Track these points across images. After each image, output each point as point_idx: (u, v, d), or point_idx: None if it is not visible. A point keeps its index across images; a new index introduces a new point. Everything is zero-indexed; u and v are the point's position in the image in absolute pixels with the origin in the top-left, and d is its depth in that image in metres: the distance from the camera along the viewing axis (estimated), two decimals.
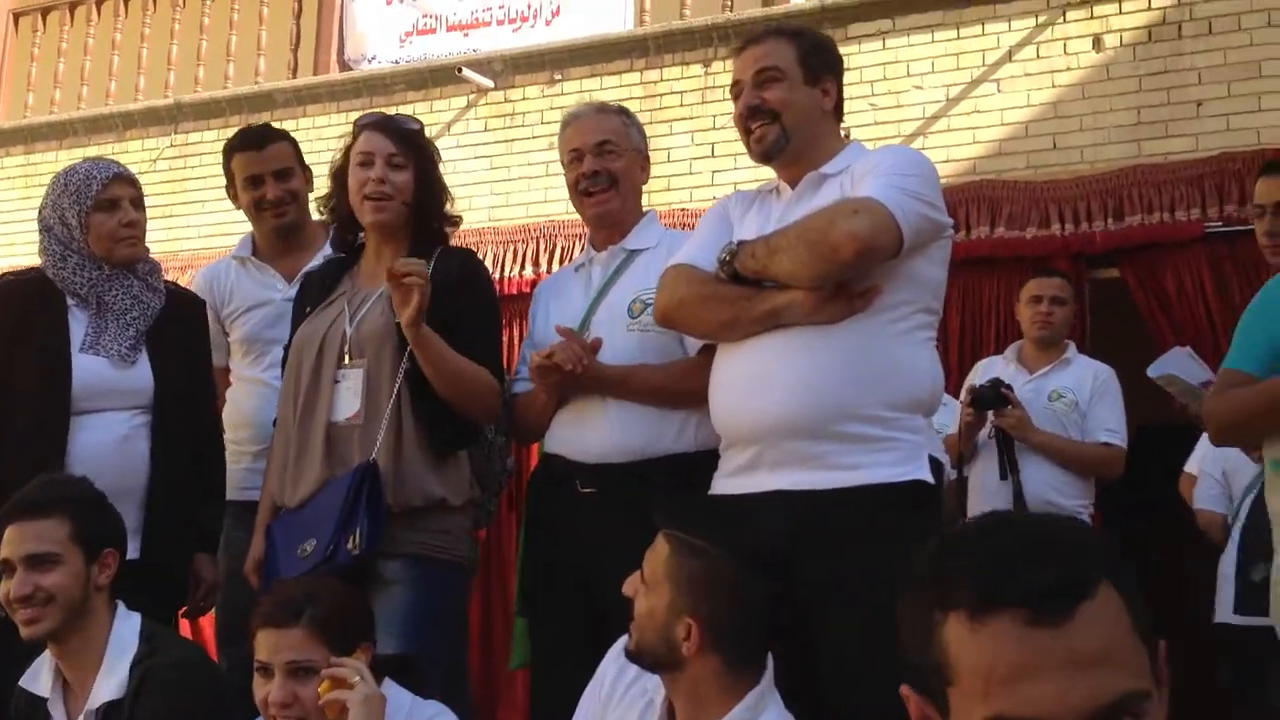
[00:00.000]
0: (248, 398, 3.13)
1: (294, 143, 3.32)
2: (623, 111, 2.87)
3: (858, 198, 2.19)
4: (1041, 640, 0.95)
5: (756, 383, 2.24)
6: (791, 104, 2.34)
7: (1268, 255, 3.08)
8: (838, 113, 2.44)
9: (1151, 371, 3.64)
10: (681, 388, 2.53)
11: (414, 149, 2.65)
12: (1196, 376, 3.52)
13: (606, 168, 2.70)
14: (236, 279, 3.29)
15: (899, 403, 2.21)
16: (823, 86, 2.38)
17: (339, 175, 2.72)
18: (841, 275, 2.17)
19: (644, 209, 2.87)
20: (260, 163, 3.23)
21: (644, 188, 2.86)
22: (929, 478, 2.21)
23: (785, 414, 2.19)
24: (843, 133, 2.54)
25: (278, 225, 3.25)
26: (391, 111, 2.90)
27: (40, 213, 2.85)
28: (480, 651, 5.90)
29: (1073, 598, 0.96)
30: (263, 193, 3.22)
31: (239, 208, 3.37)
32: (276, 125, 6.82)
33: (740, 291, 2.26)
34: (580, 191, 2.74)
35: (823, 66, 2.39)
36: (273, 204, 3.22)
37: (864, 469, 2.16)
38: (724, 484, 2.32)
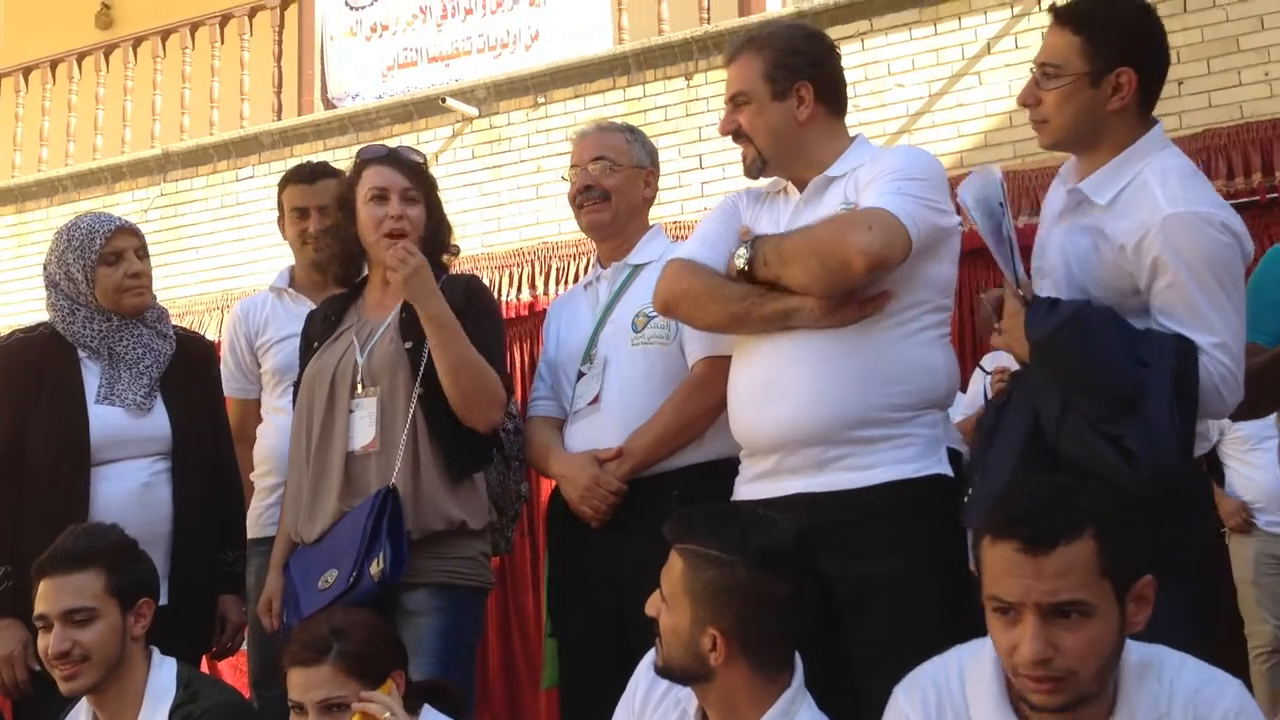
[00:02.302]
0: (274, 431, 3.16)
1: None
2: (628, 129, 2.90)
3: (867, 210, 2.17)
4: (1025, 560, 1.57)
5: (769, 393, 2.26)
6: (759, 127, 2.34)
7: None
8: (833, 106, 2.39)
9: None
10: (691, 415, 2.57)
11: (423, 182, 2.69)
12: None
13: (599, 182, 2.76)
14: (271, 310, 3.35)
15: (913, 403, 2.22)
16: (796, 95, 2.33)
17: (343, 207, 2.72)
18: (852, 286, 2.18)
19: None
20: (308, 196, 3.33)
21: None
22: (947, 470, 2.22)
23: (799, 424, 2.21)
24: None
25: (316, 259, 3.27)
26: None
27: (45, 269, 2.87)
28: (502, 675, 5.91)
29: (1053, 542, 1.56)
30: (306, 225, 3.31)
31: (286, 239, 3.47)
32: (264, 167, 6.97)
33: (748, 290, 2.27)
34: (577, 206, 2.80)
35: (792, 74, 2.33)
36: (314, 237, 3.28)
37: (880, 468, 2.18)
38: (746, 490, 2.34)
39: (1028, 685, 1.59)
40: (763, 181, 2.47)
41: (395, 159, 2.69)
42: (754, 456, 2.33)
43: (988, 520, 1.64)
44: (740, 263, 2.27)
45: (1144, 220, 2.02)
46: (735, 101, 2.37)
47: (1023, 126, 5.74)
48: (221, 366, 3.33)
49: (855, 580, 2.13)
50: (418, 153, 2.77)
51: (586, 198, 2.76)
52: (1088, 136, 2.15)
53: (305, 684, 2.15)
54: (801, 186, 2.38)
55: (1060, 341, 2.00)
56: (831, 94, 2.39)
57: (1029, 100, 2.18)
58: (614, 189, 2.76)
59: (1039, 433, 1.99)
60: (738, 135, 2.38)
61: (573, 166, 2.82)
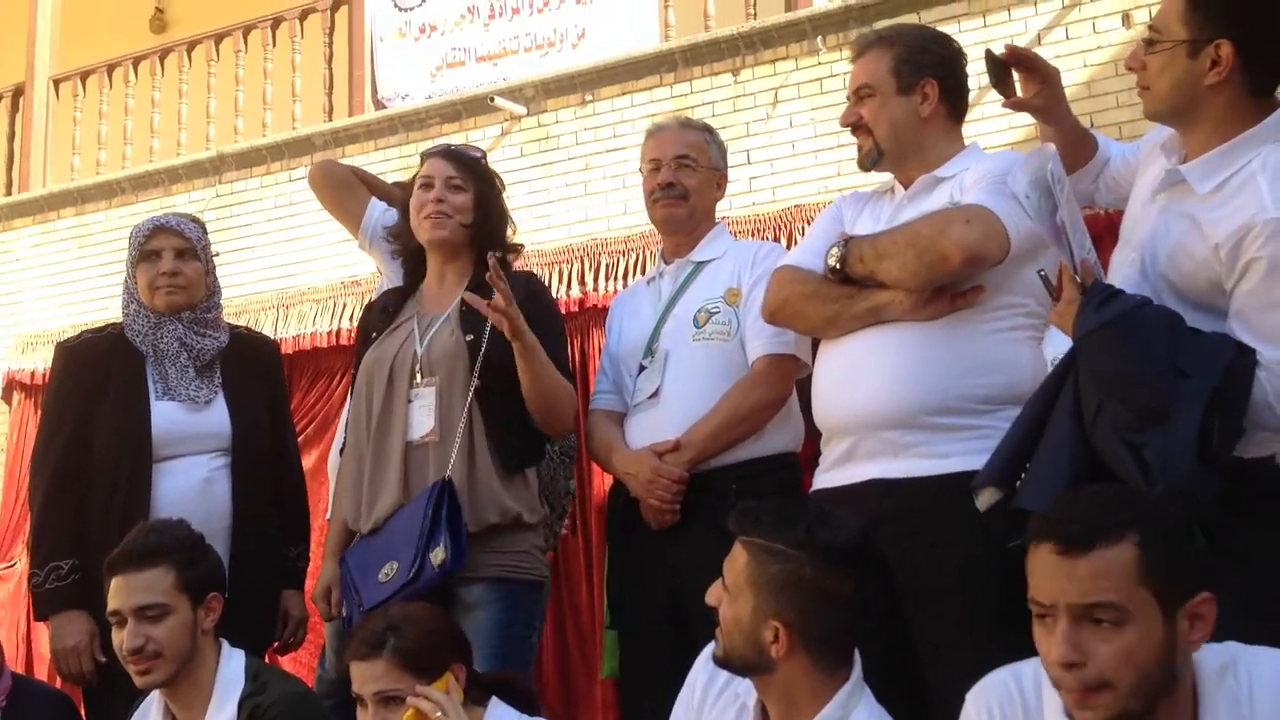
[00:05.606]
0: None
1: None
2: (707, 130, 2.94)
3: (969, 205, 2.18)
4: (1060, 561, 1.54)
5: (850, 376, 2.28)
6: (881, 119, 2.35)
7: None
8: (955, 108, 2.40)
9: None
10: (749, 410, 2.61)
11: (473, 174, 2.73)
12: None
13: (680, 181, 2.80)
14: None
15: (994, 395, 2.20)
16: (921, 91, 2.34)
17: (406, 208, 2.79)
18: (948, 281, 2.19)
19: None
20: None
21: None
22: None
23: (876, 406, 2.22)
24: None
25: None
26: (428, 145, 2.98)
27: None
28: (556, 666, 5.92)
29: (1089, 544, 1.52)
30: None
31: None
32: None
33: (842, 290, 2.29)
34: (653, 200, 2.83)
35: (919, 70, 2.34)
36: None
37: (955, 457, 2.17)
38: (823, 478, 2.36)
39: (1067, 698, 1.55)
40: (871, 181, 2.48)
41: (447, 152, 2.76)
42: (831, 441, 2.34)
43: (1033, 524, 1.62)
44: (833, 261, 2.28)
45: (1246, 220, 1.88)
46: (859, 94, 2.39)
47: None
48: None
49: (923, 569, 2.13)
50: (477, 149, 2.84)
51: (666, 195, 2.80)
52: (1185, 111, 2.00)
53: (362, 677, 2.19)
54: (908, 186, 2.37)
55: (1099, 341, 1.90)
56: (955, 95, 2.40)
57: (1134, 64, 2.05)
58: (693, 189, 2.81)
59: (1081, 424, 1.92)
60: (856, 128, 2.40)
61: (652, 159, 2.85)
